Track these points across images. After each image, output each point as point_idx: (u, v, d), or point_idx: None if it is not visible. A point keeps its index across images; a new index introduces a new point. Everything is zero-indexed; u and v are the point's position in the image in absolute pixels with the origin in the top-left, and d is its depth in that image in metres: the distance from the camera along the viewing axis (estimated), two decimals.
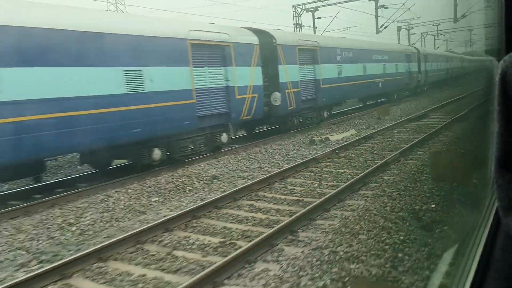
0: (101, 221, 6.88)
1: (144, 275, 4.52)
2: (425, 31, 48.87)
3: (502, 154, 0.92)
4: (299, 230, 5.51)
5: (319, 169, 9.14)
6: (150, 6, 64.71)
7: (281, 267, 4.47)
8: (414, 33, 48.18)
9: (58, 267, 4.55)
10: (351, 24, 37.76)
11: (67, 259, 4.73)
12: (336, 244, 4.96)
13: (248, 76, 12.44)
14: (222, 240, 5.38)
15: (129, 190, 8.24)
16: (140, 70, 9.02)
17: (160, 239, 5.55)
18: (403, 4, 30.02)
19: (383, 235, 5.26)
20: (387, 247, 4.95)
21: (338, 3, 30.01)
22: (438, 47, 51.12)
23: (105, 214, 7.18)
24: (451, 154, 9.93)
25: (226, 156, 11.21)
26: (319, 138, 13.42)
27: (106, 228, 6.49)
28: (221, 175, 9.40)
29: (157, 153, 9.68)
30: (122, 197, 7.89)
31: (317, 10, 31.78)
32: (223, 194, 7.21)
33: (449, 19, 37.25)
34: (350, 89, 19.02)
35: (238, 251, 4.72)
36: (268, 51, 13.74)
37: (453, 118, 14.66)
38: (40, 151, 7.67)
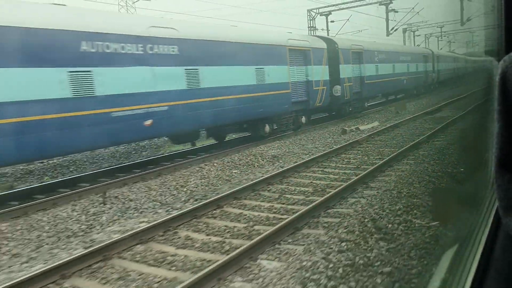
0: (201, 185, 8.97)
1: (272, 206, 6.60)
2: (429, 32, 51.19)
3: (502, 154, 0.91)
4: (368, 182, 7.59)
5: (363, 149, 11.22)
6: (159, 9, 67.00)
7: (367, 199, 6.54)
8: (419, 35, 50.46)
9: (213, 201, 6.64)
10: (362, 27, 39.93)
11: (215, 197, 6.82)
12: (399, 188, 7.03)
13: (320, 73, 15.96)
14: (314, 188, 7.47)
15: (215, 164, 10.34)
16: (263, 68, 12.48)
17: (268, 189, 7.64)
18: (413, 8, 32.27)
19: (430, 185, 7.34)
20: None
21: (351, 7, 32.18)
22: (441, 48, 53.25)
23: (203, 180, 9.27)
24: (469, 137, 11.99)
25: (277, 141, 13.30)
26: (350, 128, 15.50)
27: (206, 191, 8.53)
28: (279, 155, 11.49)
29: (267, 128, 13.70)
30: (211, 169, 9.99)
31: (330, 14, 33.95)
32: (295, 164, 9.29)
33: (453, 22, 39.42)
34: (383, 84, 23.13)
35: (333, 192, 6.79)
36: (332, 53, 17.30)
37: (464, 112, 16.69)
38: (210, 122, 11.55)
